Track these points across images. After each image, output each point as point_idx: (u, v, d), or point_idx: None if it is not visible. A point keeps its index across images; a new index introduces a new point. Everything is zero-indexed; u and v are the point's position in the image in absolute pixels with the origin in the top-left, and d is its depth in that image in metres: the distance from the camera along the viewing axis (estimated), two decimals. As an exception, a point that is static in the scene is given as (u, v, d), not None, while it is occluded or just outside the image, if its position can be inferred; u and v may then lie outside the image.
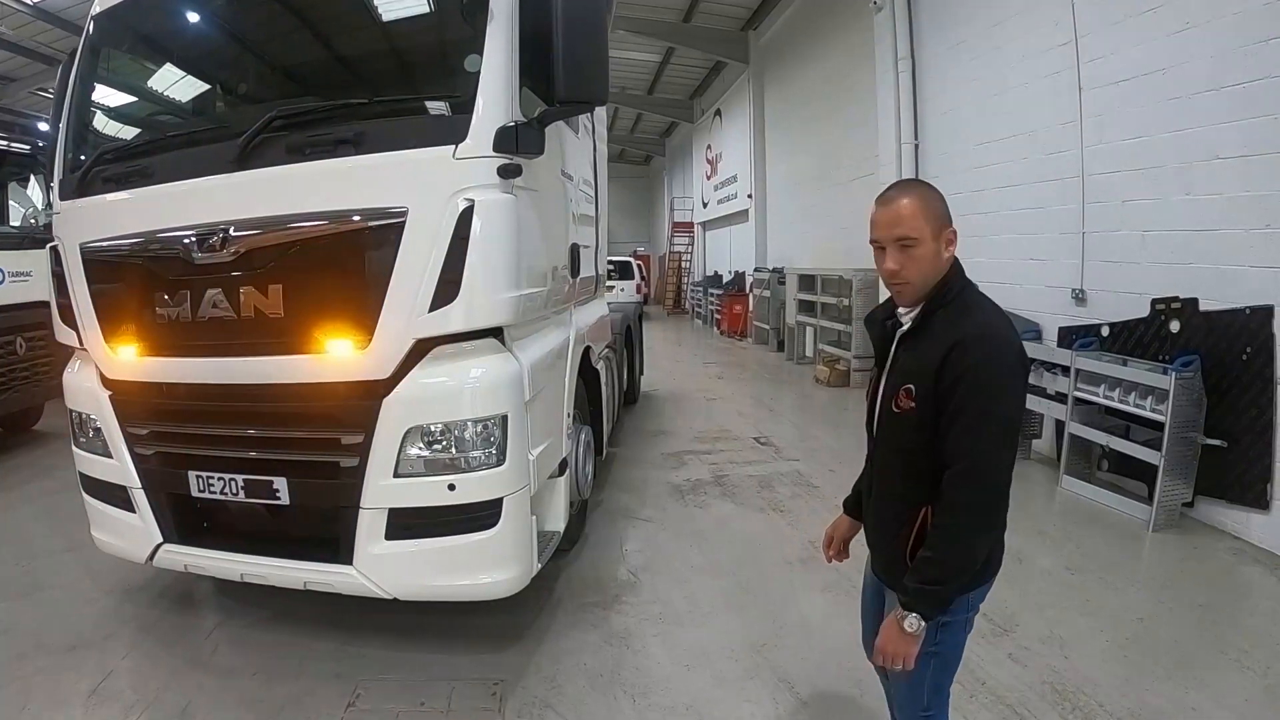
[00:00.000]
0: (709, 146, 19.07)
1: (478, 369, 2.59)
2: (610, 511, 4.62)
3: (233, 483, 2.72)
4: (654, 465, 5.71)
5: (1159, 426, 4.14)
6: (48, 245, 3.09)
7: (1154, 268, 4.62)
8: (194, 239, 2.59)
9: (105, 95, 3.16)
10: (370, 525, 2.59)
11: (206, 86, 3.15)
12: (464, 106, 2.49)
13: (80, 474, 3.16)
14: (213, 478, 2.74)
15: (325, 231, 2.52)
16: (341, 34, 2.94)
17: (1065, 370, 4.90)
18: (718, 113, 17.96)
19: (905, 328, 1.61)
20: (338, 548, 2.65)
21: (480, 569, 2.65)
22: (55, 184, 3.06)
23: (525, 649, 2.98)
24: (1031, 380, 4.62)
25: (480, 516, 2.58)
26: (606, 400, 4.76)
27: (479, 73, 2.51)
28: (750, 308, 14.34)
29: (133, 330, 2.80)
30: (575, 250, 3.65)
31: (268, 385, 2.70)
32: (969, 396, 1.44)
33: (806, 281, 10.74)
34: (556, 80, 2.47)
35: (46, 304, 3.22)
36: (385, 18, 2.89)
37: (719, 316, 16.10)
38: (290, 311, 2.55)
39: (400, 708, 2.59)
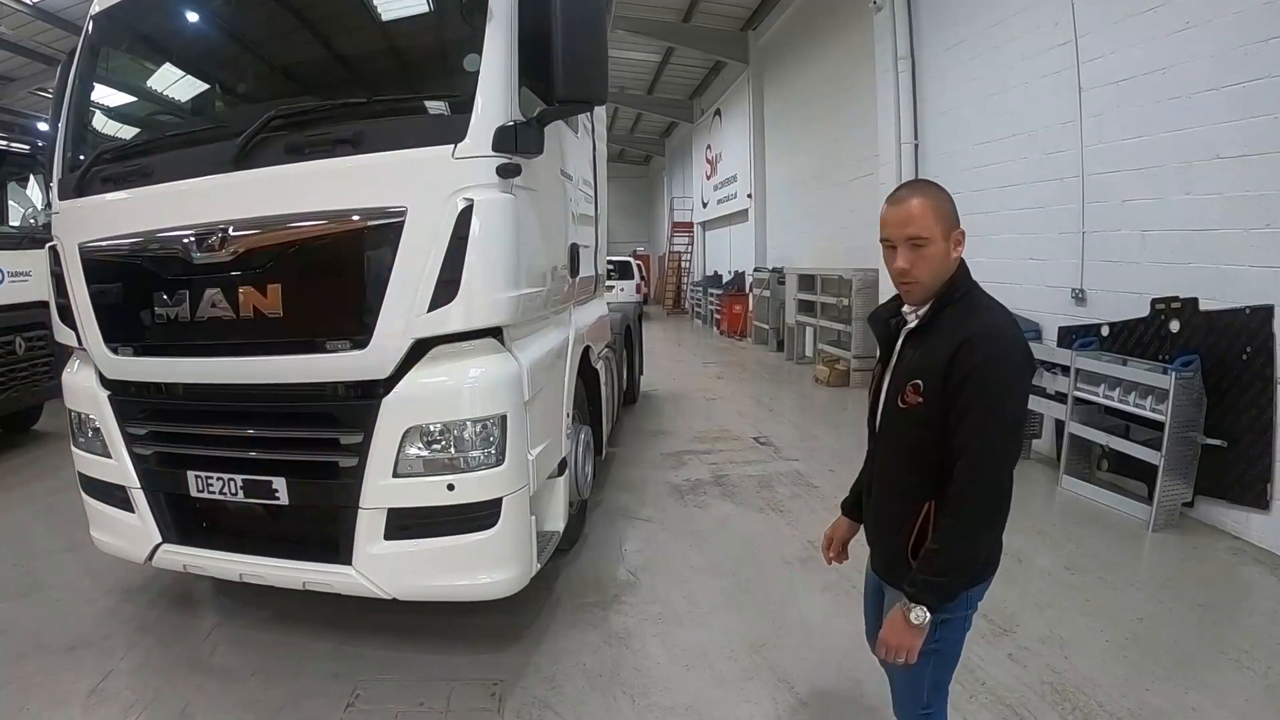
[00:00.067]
0: (709, 146, 19.07)
1: (477, 369, 2.58)
2: (610, 511, 4.61)
3: (232, 483, 2.71)
4: (653, 465, 5.71)
5: (1159, 426, 4.13)
6: (47, 245, 3.08)
7: (1154, 267, 4.62)
8: (193, 239, 2.59)
9: (104, 95, 3.15)
10: (369, 525, 2.58)
11: (205, 86, 3.15)
12: (463, 106, 2.49)
13: (79, 474, 3.16)
14: (211, 478, 2.74)
15: (324, 231, 2.52)
16: (340, 33, 2.93)
17: (1065, 370, 4.90)
18: (717, 112, 17.96)
19: (912, 325, 1.63)
20: (337, 548, 2.65)
21: (479, 569, 2.65)
22: (54, 184, 3.05)
23: (524, 649, 2.98)
24: (1032, 380, 4.62)
25: (479, 516, 2.58)
26: (606, 400, 4.76)
27: (478, 72, 2.50)
28: (750, 307, 14.34)
29: (132, 330, 2.80)
30: (574, 250, 3.64)
31: (266, 385, 2.70)
32: (976, 394, 1.46)
33: (806, 281, 10.74)
34: (555, 79, 2.47)
35: (46, 304, 3.21)
36: (384, 17, 2.89)
37: (719, 316, 16.11)
38: (289, 311, 2.54)
39: (399, 708, 2.58)
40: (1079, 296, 5.31)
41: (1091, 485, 4.75)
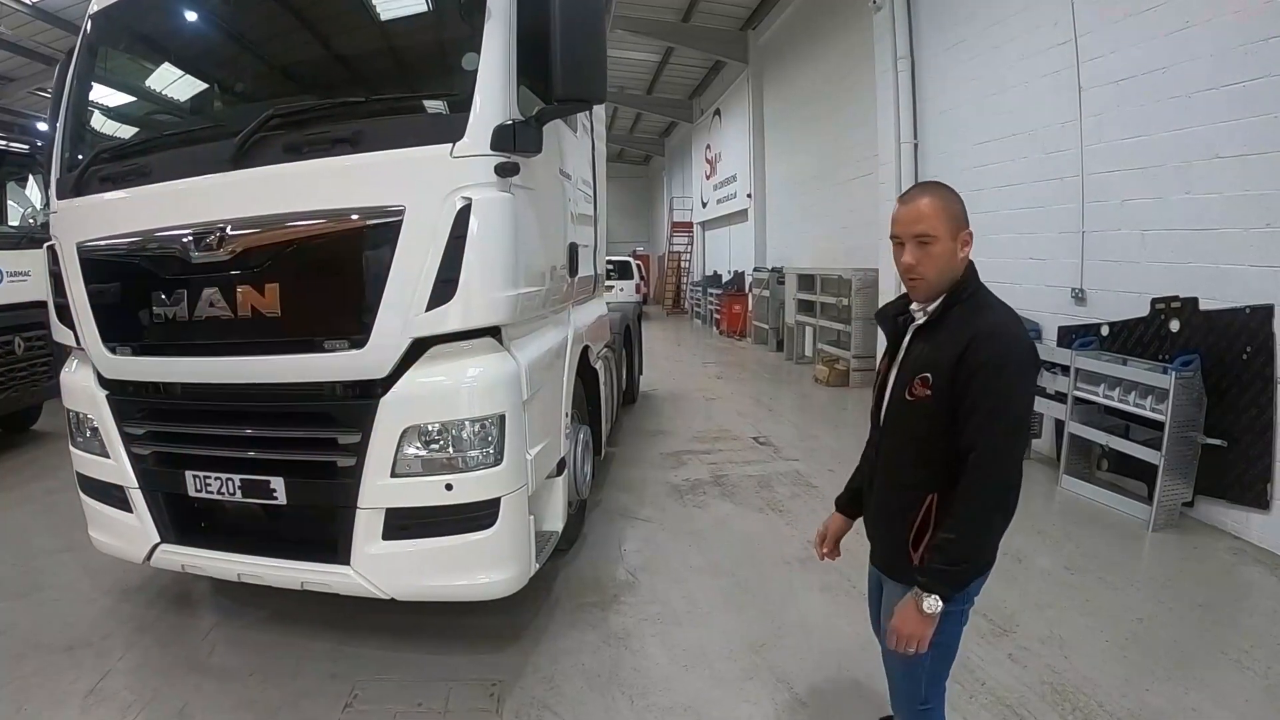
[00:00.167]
0: (708, 146, 19.06)
1: (475, 368, 2.58)
2: (609, 511, 4.61)
3: (230, 482, 2.71)
4: (653, 465, 5.70)
5: (1159, 426, 4.13)
6: (45, 245, 3.08)
7: (1154, 267, 4.62)
8: (191, 238, 2.58)
9: (103, 94, 3.14)
10: (367, 525, 2.58)
11: (204, 85, 3.14)
12: (461, 105, 2.48)
13: (78, 474, 3.15)
14: (210, 477, 2.73)
15: (322, 230, 2.51)
16: (339, 32, 2.93)
17: (1065, 369, 4.89)
18: (717, 112, 17.95)
19: (921, 321, 1.68)
20: (335, 548, 2.64)
21: (478, 569, 2.64)
22: (53, 183, 3.05)
23: (523, 649, 2.97)
24: (1037, 377, 4.63)
25: (478, 516, 2.57)
26: (605, 400, 4.75)
27: (476, 71, 2.50)
28: (749, 307, 14.34)
29: (130, 329, 2.79)
30: (573, 249, 3.64)
31: (265, 385, 2.69)
32: (985, 390, 1.51)
33: (806, 281, 10.74)
34: (554, 78, 2.46)
35: (44, 304, 3.21)
36: (383, 16, 2.88)
37: (718, 316, 16.11)
38: (287, 310, 2.54)
39: (397, 708, 2.58)
40: (1079, 296, 5.30)
41: (1091, 485, 4.75)
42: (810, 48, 11.58)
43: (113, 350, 2.84)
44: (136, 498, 2.92)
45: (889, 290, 7.90)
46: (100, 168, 2.84)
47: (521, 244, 2.66)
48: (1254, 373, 3.94)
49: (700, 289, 18.93)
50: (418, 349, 2.54)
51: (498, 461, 2.56)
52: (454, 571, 2.64)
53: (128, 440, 2.91)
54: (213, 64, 3.10)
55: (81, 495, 3.17)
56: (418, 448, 2.53)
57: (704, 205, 20.18)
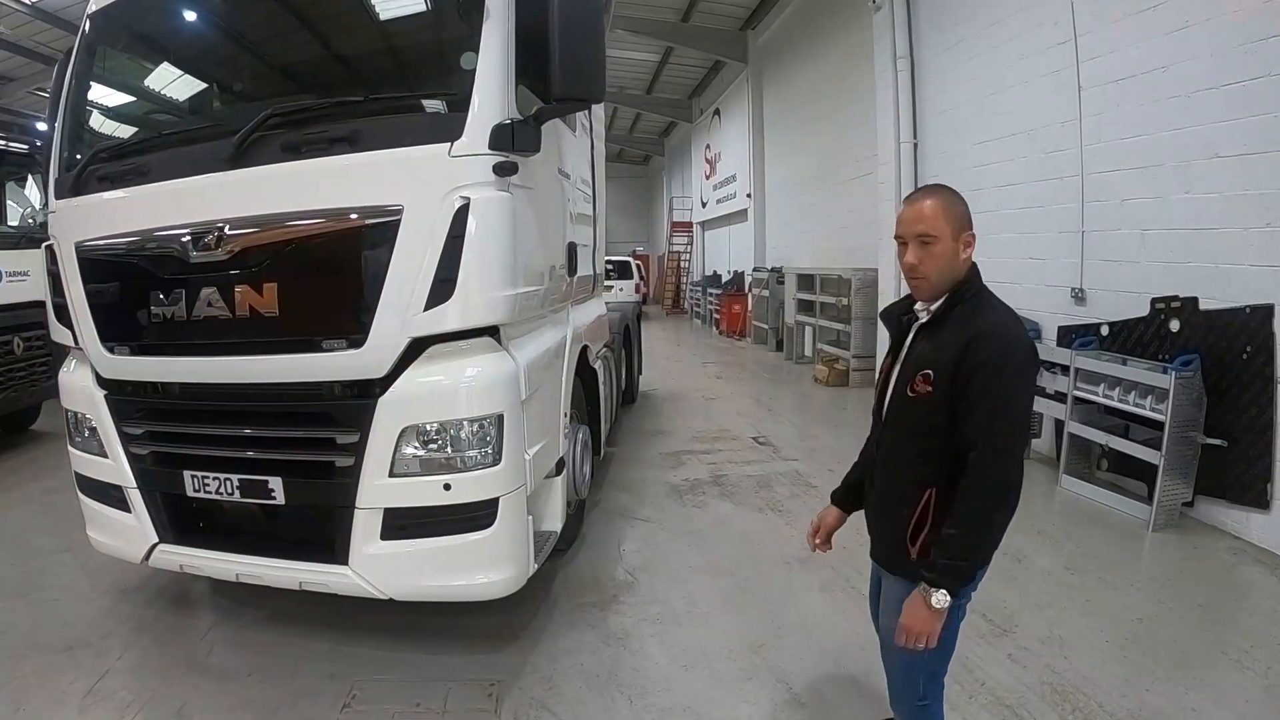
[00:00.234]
0: (708, 146, 19.06)
1: (473, 368, 2.57)
2: (608, 511, 4.60)
3: (228, 482, 2.70)
4: (652, 465, 5.70)
5: (1159, 426, 4.12)
6: (43, 244, 3.07)
7: (1153, 266, 4.61)
8: (189, 237, 2.58)
9: (101, 94, 3.14)
10: (365, 525, 2.57)
11: (202, 84, 3.14)
12: (460, 104, 2.48)
13: (76, 474, 3.15)
14: (208, 477, 2.73)
15: (320, 230, 2.51)
16: (337, 32, 2.92)
17: (1065, 369, 4.89)
18: (716, 112, 17.95)
19: (924, 320, 1.72)
20: (333, 548, 2.64)
21: (476, 569, 2.64)
22: (51, 183, 3.04)
23: (522, 649, 2.97)
24: (1036, 376, 4.63)
25: (476, 516, 2.57)
26: (604, 400, 4.75)
27: (475, 70, 2.49)
28: (749, 307, 14.34)
29: (128, 329, 2.79)
30: (572, 249, 3.63)
31: (263, 384, 2.69)
32: (985, 390, 1.55)
33: (805, 281, 10.73)
34: (553, 77, 2.46)
35: (43, 303, 3.21)
36: (381, 15, 2.88)
37: (718, 316, 16.10)
38: (285, 310, 2.53)
39: (396, 708, 2.58)
40: (1078, 296, 5.30)
41: (1091, 485, 4.74)
42: (810, 48, 11.57)
43: (111, 350, 2.84)
44: (135, 498, 2.92)
45: (888, 290, 7.90)
46: (98, 167, 2.84)
47: (520, 243, 2.65)
48: (1254, 372, 3.93)
49: (700, 289, 18.92)
50: (416, 349, 2.53)
51: (496, 461, 2.56)
52: (452, 572, 2.63)
53: (126, 440, 2.90)
54: (211, 63, 3.10)
55: (80, 495, 3.17)
56: (416, 447, 2.53)
57: (703, 205, 20.17)
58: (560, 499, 3.23)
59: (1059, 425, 5.05)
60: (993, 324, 1.60)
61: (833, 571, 3.55)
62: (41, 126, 6.63)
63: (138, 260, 2.73)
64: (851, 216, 9.93)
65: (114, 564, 3.38)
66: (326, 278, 2.56)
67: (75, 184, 2.87)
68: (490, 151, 2.48)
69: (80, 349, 2.97)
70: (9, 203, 6.47)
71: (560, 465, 3.24)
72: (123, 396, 2.92)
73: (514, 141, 2.53)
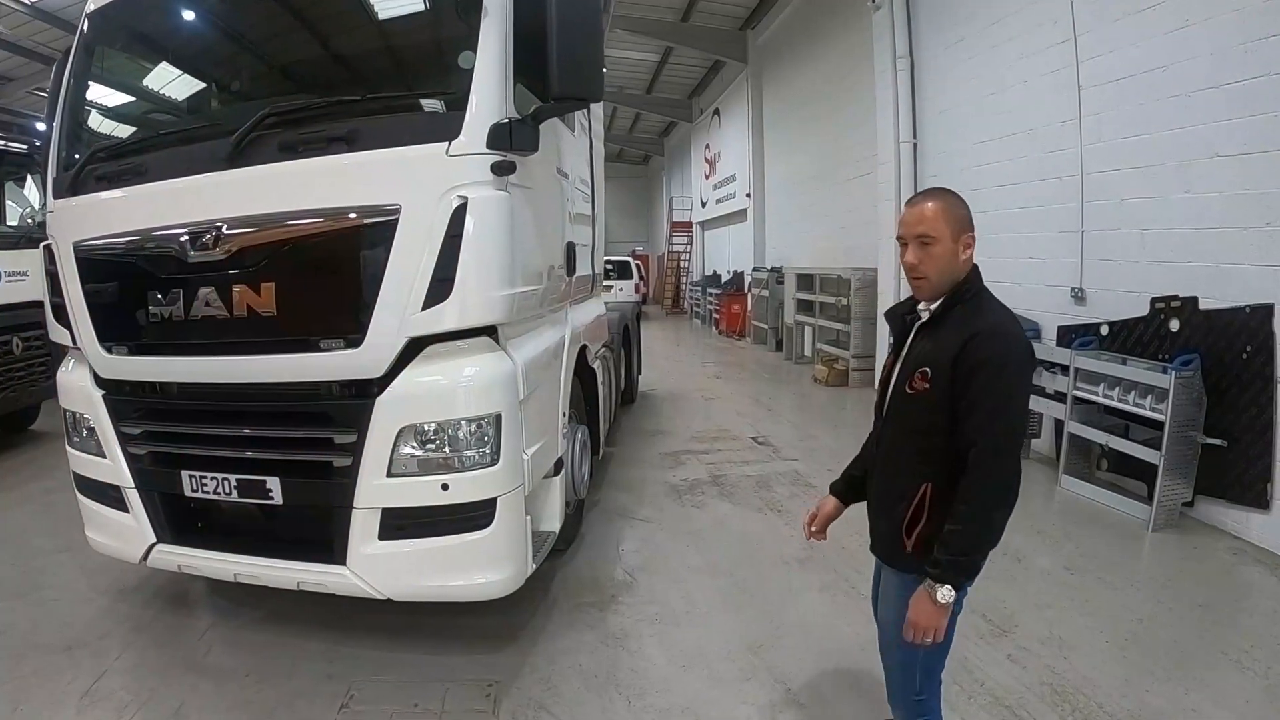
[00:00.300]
0: (707, 146, 19.05)
1: (471, 368, 2.57)
2: (607, 511, 4.60)
3: (225, 482, 2.70)
4: (651, 465, 5.69)
5: (1159, 426, 4.12)
6: (42, 244, 3.07)
7: (1153, 266, 4.61)
8: (187, 237, 2.57)
9: (99, 93, 3.13)
10: (363, 525, 2.57)
11: (200, 84, 3.13)
12: (458, 103, 2.48)
13: (74, 474, 3.15)
14: (206, 477, 2.73)
15: (318, 229, 2.50)
16: (335, 31, 2.92)
17: (1064, 369, 4.88)
18: (716, 112, 17.94)
19: (924, 319, 1.76)
20: (331, 548, 2.64)
21: (474, 569, 2.63)
22: (49, 182, 3.04)
23: (520, 650, 2.96)
24: (1033, 375, 4.64)
25: (474, 516, 2.56)
26: (603, 399, 4.74)
27: (473, 69, 2.49)
28: (749, 307, 14.33)
29: (126, 329, 2.78)
30: (571, 248, 3.63)
31: (261, 384, 2.68)
32: (985, 389, 1.58)
33: (805, 281, 10.73)
34: (551, 76, 2.46)
35: (42, 303, 3.20)
36: (379, 14, 2.88)
37: (717, 316, 16.10)
38: (283, 309, 2.53)
39: (394, 709, 2.57)
40: (1078, 295, 5.29)
41: (1091, 485, 4.74)
42: (809, 47, 11.57)
43: (109, 350, 2.83)
44: (133, 498, 2.91)
45: (888, 290, 7.90)
46: (97, 167, 2.84)
47: (518, 243, 2.65)
48: (1254, 372, 3.93)
49: (699, 289, 18.92)
50: (414, 348, 2.53)
51: (494, 461, 2.56)
52: (450, 572, 2.63)
53: (124, 440, 2.90)
54: (209, 63, 3.09)
55: (78, 495, 3.17)
56: (414, 447, 2.52)
57: (703, 205, 20.17)
58: (559, 499, 3.23)
59: (1059, 425, 5.04)
60: (992, 324, 1.63)
61: (832, 572, 3.54)
62: (40, 126, 6.62)
63: (136, 260, 2.72)
64: (851, 216, 9.92)
65: (112, 564, 3.38)
66: (324, 277, 2.56)
67: (73, 183, 2.87)
68: (488, 151, 2.48)
69: (78, 349, 2.97)
70: (8, 202, 6.47)
71: (559, 465, 3.24)
72: (121, 396, 2.92)
73: (512, 141, 2.53)
